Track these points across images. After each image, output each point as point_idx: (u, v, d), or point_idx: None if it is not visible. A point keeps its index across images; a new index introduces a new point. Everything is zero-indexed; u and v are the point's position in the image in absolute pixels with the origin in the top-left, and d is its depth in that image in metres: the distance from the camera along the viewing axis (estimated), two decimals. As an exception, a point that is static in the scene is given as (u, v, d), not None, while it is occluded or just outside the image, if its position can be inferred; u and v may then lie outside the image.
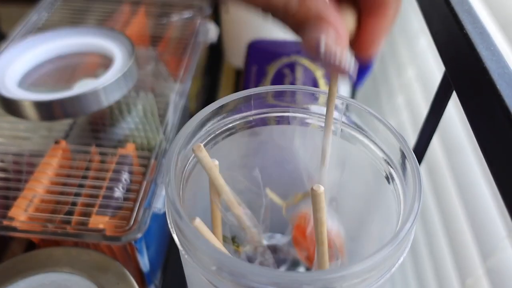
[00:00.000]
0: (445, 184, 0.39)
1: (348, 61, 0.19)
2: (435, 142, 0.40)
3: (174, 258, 0.49)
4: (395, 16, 0.19)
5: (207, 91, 0.67)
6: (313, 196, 0.22)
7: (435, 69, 0.46)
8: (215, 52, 0.71)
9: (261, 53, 0.52)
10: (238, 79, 0.71)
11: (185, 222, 0.21)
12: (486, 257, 0.34)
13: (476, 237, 0.35)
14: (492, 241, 0.33)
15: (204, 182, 0.27)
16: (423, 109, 0.46)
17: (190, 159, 0.26)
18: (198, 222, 0.23)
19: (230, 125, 0.29)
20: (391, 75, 0.59)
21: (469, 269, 0.36)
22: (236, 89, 0.71)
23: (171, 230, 0.23)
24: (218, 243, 0.26)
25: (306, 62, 0.51)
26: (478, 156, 0.35)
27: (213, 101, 0.28)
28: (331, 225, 0.28)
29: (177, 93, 0.47)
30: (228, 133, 0.29)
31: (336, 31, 0.18)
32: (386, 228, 0.27)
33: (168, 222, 0.24)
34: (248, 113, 0.29)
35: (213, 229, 0.29)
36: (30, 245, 0.37)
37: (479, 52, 0.21)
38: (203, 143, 0.28)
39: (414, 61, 0.52)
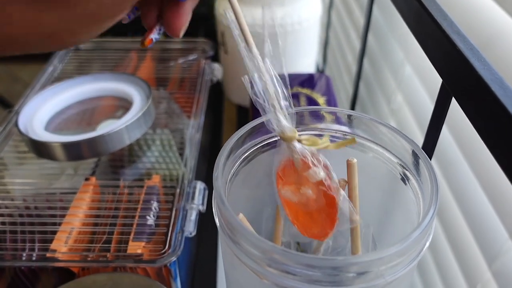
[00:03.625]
0: (443, 195, 0.42)
1: None
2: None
3: (199, 282, 0.50)
4: None
5: (212, 127, 0.71)
6: (348, 165, 0.27)
7: (424, 93, 0.50)
8: (216, 90, 0.76)
9: (266, 86, 0.56)
10: (239, 114, 0.75)
11: (230, 211, 0.24)
12: (491, 261, 0.35)
13: (479, 242, 0.37)
14: (495, 244, 0.35)
15: (242, 196, 0.31)
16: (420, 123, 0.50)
17: (232, 171, 0.30)
18: (241, 217, 0.26)
19: (257, 146, 0.32)
20: (380, 101, 0.64)
21: (477, 275, 0.38)
22: (239, 124, 0.75)
23: (217, 222, 0.26)
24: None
25: (307, 91, 0.55)
26: (473, 165, 0.38)
27: (220, 136, 0.31)
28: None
29: (193, 127, 0.51)
30: (255, 154, 0.33)
31: None
32: (408, 225, 0.30)
33: (214, 213, 0.27)
34: (270, 134, 0.33)
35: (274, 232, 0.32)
36: (69, 275, 0.39)
37: (473, 64, 0.25)
38: (240, 159, 0.31)
39: (401, 87, 0.57)
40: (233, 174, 0.30)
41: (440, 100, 0.31)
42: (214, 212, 0.27)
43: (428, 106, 0.48)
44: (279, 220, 0.32)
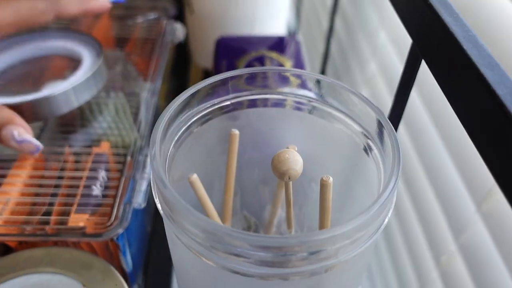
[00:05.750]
0: (412, 165, 0.40)
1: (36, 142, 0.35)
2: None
3: (154, 258, 0.48)
4: None
5: (176, 92, 0.67)
6: (322, 185, 0.24)
7: (397, 62, 0.47)
8: (182, 53, 0.71)
9: (229, 49, 0.52)
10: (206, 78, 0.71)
11: (169, 190, 0.21)
12: (458, 233, 0.34)
13: (447, 214, 0.35)
14: (462, 217, 0.34)
15: (193, 163, 0.28)
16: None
17: (175, 140, 0.27)
18: (194, 178, 0.23)
19: (210, 109, 0.29)
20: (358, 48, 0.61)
21: (442, 247, 0.36)
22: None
23: (157, 203, 0.23)
24: (211, 208, 0.26)
25: (274, 55, 0.52)
26: (443, 136, 0.36)
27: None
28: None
29: (149, 91, 0.47)
30: (207, 117, 0.29)
31: (22, 127, 0.35)
32: (368, 198, 0.28)
33: (154, 193, 0.24)
34: (226, 97, 0.29)
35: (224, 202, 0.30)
36: (7, 251, 0.35)
37: (444, 19, 0.23)
38: (183, 128, 0.28)
39: (375, 55, 0.54)
40: (178, 139, 0.27)
41: (409, 63, 0.29)
42: (153, 193, 0.24)
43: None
44: (229, 192, 0.29)
